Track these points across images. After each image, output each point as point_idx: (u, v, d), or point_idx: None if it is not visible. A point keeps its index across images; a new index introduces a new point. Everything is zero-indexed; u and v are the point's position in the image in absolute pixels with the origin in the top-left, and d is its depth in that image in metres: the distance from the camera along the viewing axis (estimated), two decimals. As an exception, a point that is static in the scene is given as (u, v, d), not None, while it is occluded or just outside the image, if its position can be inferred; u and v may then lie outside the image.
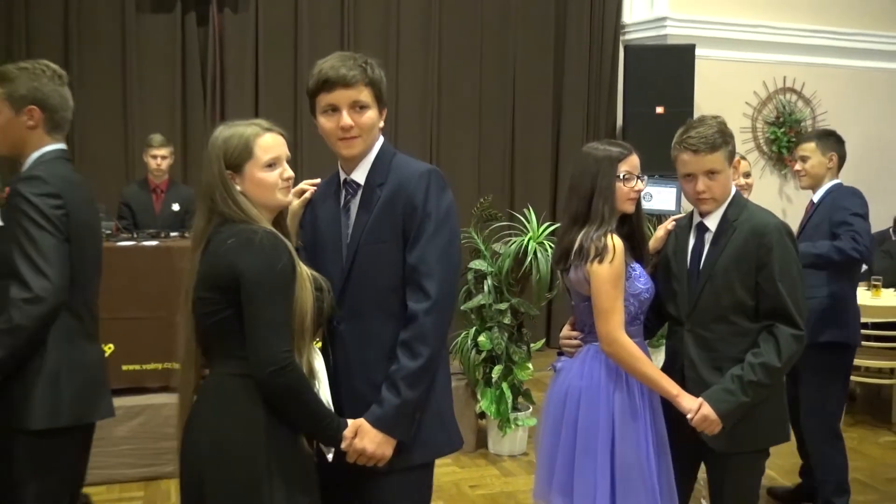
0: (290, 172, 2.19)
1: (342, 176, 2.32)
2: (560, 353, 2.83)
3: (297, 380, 2.05)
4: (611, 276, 2.55)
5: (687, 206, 3.68)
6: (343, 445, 2.13)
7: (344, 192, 2.31)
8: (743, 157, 4.12)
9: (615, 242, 2.56)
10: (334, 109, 2.20)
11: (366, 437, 2.13)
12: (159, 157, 5.44)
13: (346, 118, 2.18)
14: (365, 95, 2.20)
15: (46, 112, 2.51)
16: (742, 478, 2.69)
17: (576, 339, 2.74)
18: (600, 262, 2.54)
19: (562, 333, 2.82)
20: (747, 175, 4.10)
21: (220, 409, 2.06)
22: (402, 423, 2.17)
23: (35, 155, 2.52)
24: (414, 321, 2.16)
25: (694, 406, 2.54)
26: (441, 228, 2.20)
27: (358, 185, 2.29)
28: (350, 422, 2.14)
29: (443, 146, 7.12)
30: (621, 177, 2.62)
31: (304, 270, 2.12)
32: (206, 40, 6.60)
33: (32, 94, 2.48)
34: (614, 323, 2.56)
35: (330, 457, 2.17)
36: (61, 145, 2.57)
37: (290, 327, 2.06)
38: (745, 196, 3.37)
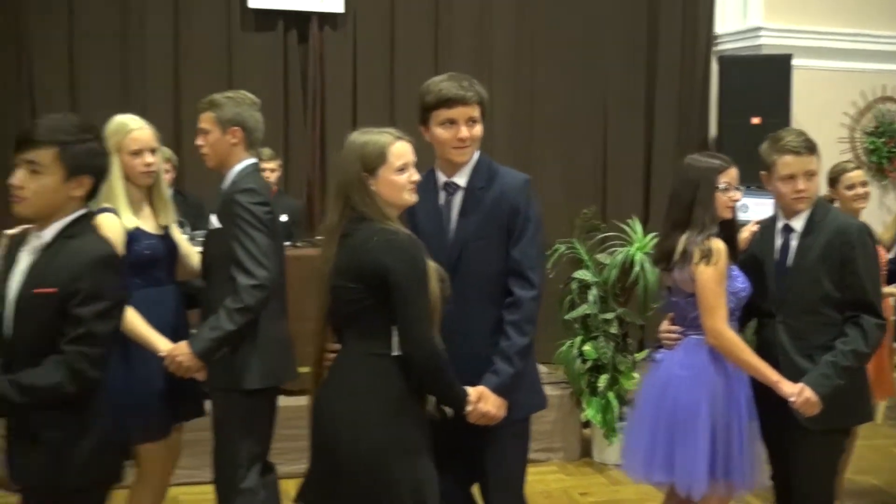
0: (416, 176, 2.53)
1: (442, 178, 2.75)
2: (658, 346, 3.20)
3: (443, 360, 2.41)
4: (716, 276, 2.87)
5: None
6: (469, 409, 2.52)
7: (444, 193, 2.74)
8: (856, 167, 4.11)
9: (720, 246, 2.88)
10: (452, 122, 2.64)
11: (489, 402, 2.58)
12: (268, 170, 5.62)
13: (465, 131, 2.63)
14: (477, 112, 2.65)
15: (246, 132, 3.05)
16: (828, 454, 3.02)
17: (675, 332, 3.08)
18: (706, 263, 2.86)
19: (661, 327, 3.18)
20: (864, 184, 4.08)
21: (357, 384, 2.37)
22: (514, 388, 2.63)
23: (237, 168, 3.06)
24: (521, 305, 2.64)
25: (795, 390, 2.83)
26: (537, 230, 2.71)
27: (457, 186, 2.72)
28: (471, 389, 2.54)
29: (533, 158, 7.16)
30: (721, 187, 2.94)
31: (431, 265, 2.40)
32: (306, 57, 6.81)
33: (236, 118, 3.03)
34: (719, 318, 2.88)
35: (450, 413, 2.57)
36: (255, 160, 3.13)
37: (431, 317, 2.36)
38: (862, 206, 3.58)
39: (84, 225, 2.30)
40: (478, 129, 2.68)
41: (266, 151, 5.69)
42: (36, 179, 2.21)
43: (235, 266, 2.90)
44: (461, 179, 2.72)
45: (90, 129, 2.33)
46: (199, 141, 3.11)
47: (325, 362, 2.51)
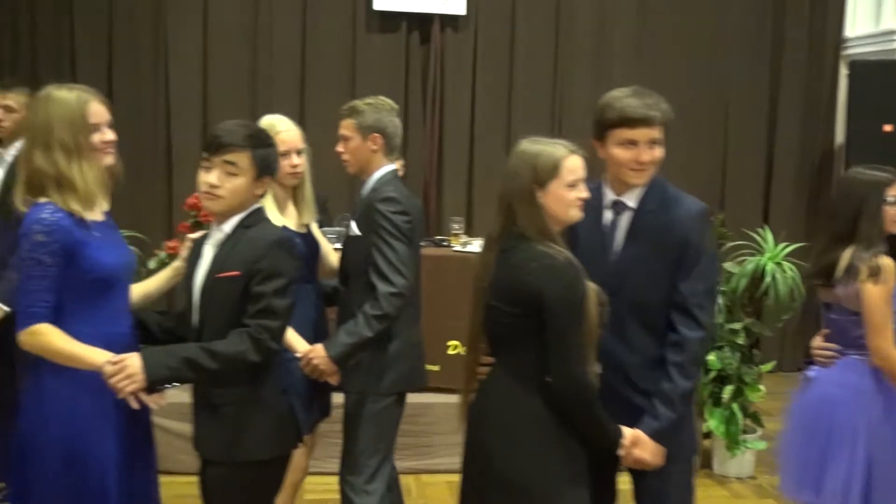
0: (586, 193, 2.39)
1: (610, 195, 2.57)
2: (809, 363, 3.09)
3: (590, 396, 2.30)
4: (884, 294, 2.78)
5: None
6: (621, 453, 2.40)
7: (612, 212, 2.57)
8: None
9: (889, 263, 2.78)
10: (632, 143, 2.45)
11: (646, 448, 2.43)
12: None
13: (646, 154, 2.45)
14: (659, 133, 2.47)
15: (386, 138, 3.09)
16: None
17: (831, 349, 2.97)
18: (875, 281, 2.76)
19: (815, 344, 3.07)
20: None
21: (510, 405, 2.32)
22: (674, 435, 2.48)
23: (377, 174, 3.09)
24: (687, 346, 2.46)
25: None
26: (710, 265, 2.53)
27: (626, 206, 2.54)
28: (626, 430, 2.40)
29: (652, 162, 7.09)
30: (889, 200, 2.84)
31: (591, 288, 2.31)
32: (427, 58, 6.90)
33: (377, 124, 3.07)
34: (886, 338, 2.79)
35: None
36: (394, 166, 3.14)
37: (584, 346, 2.27)
38: None
39: (258, 216, 2.47)
40: (659, 152, 2.49)
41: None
42: (231, 179, 2.36)
43: (375, 273, 2.94)
44: (631, 199, 2.54)
45: (269, 135, 2.50)
46: (340, 147, 3.13)
47: (479, 375, 2.46)
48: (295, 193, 3.28)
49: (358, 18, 6.75)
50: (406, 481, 3.31)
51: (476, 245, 4.74)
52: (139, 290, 2.62)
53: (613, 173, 2.55)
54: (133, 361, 2.21)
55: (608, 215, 2.57)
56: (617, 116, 2.45)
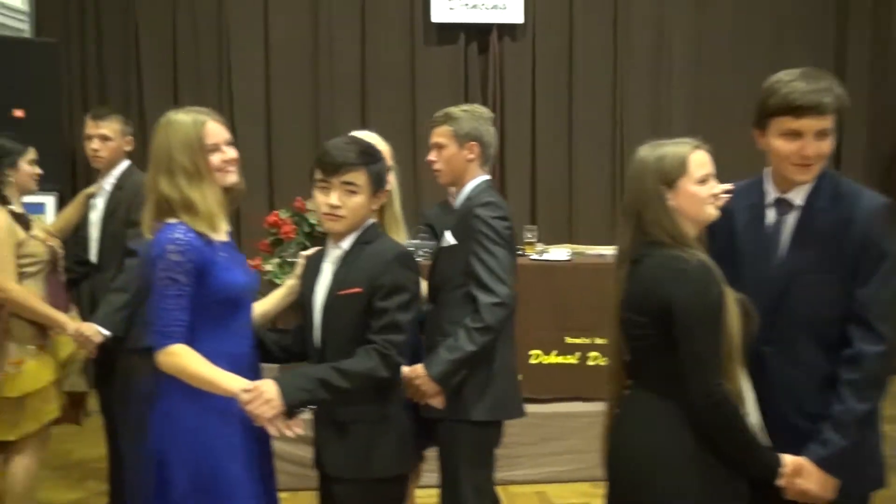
0: (720, 187, 2.23)
1: (772, 193, 2.32)
2: None
3: (730, 413, 2.09)
4: None
5: None
6: (782, 482, 2.14)
7: (775, 211, 2.31)
8: None
9: None
10: (797, 135, 2.18)
11: (811, 478, 2.15)
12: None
13: (811, 147, 2.17)
14: (829, 122, 2.18)
15: (482, 147, 2.94)
16: None
17: None
18: None
19: None
20: None
21: (653, 427, 2.17)
22: (846, 465, 2.16)
23: (472, 184, 2.95)
24: (864, 363, 2.15)
25: None
26: (894, 269, 2.19)
27: (792, 205, 2.28)
28: (787, 458, 2.15)
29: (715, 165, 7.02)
30: None
31: (731, 296, 2.15)
32: (486, 68, 6.91)
33: (473, 132, 2.93)
34: None
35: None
36: (488, 176, 3.00)
37: (720, 358, 2.10)
38: None
39: (374, 231, 2.47)
40: (827, 145, 2.18)
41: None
42: (352, 198, 2.37)
43: (475, 283, 2.77)
44: (798, 197, 2.26)
45: (377, 150, 2.49)
46: (433, 156, 2.99)
47: (624, 391, 2.32)
48: (383, 213, 3.08)
49: (416, 31, 6.78)
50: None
51: (554, 253, 4.70)
52: (258, 310, 2.59)
53: (775, 167, 2.28)
54: (268, 387, 2.19)
55: (771, 215, 2.31)
56: (780, 103, 2.17)
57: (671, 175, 2.18)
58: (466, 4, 6.69)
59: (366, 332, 2.33)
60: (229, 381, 2.21)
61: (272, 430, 2.19)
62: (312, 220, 4.45)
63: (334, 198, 2.36)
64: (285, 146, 6.70)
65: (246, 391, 2.17)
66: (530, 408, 4.21)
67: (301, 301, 2.55)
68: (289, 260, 4.32)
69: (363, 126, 6.71)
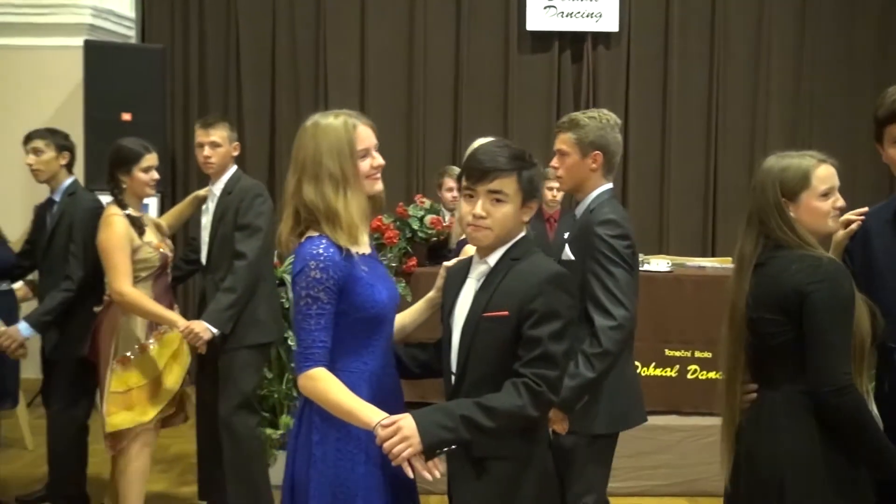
0: (841, 201, 2.26)
1: None
2: None
3: (855, 403, 2.11)
4: None
5: None
6: None
7: None
8: None
9: None
10: None
11: None
12: (555, 189, 5.69)
13: None
14: None
15: (607, 156, 2.81)
16: None
17: None
18: None
19: None
20: None
21: (796, 427, 2.16)
22: None
23: (593, 194, 2.83)
24: None
25: None
26: None
27: None
28: None
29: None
30: None
31: (859, 297, 2.19)
32: (579, 76, 6.89)
33: (599, 140, 2.78)
34: None
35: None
36: (611, 185, 2.86)
37: (850, 351, 2.14)
38: None
39: (526, 246, 2.20)
40: None
41: (550, 171, 5.74)
42: (499, 208, 2.13)
43: (592, 304, 2.65)
44: None
45: (531, 154, 2.23)
46: (555, 163, 2.86)
47: (743, 404, 2.31)
48: None
49: (510, 39, 6.81)
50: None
51: (654, 264, 4.65)
52: (396, 324, 2.37)
53: None
54: (407, 423, 1.96)
55: None
56: (887, 111, 2.20)
57: (793, 188, 2.22)
58: (562, 13, 6.69)
59: (512, 361, 2.08)
60: (369, 414, 2.03)
61: (408, 472, 1.98)
62: (415, 226, 4.49)
63: (479, 207, 2.12)
64: (380, 153, 6.74)
65: (383, 426, 1.98)
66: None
67: (441, 316, 2.35)
68: (391, 265, 4.37)
69: (456, 134, 6.82)
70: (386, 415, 2.02)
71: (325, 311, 2.10)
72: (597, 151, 2.77)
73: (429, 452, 1.97)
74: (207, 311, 3.70)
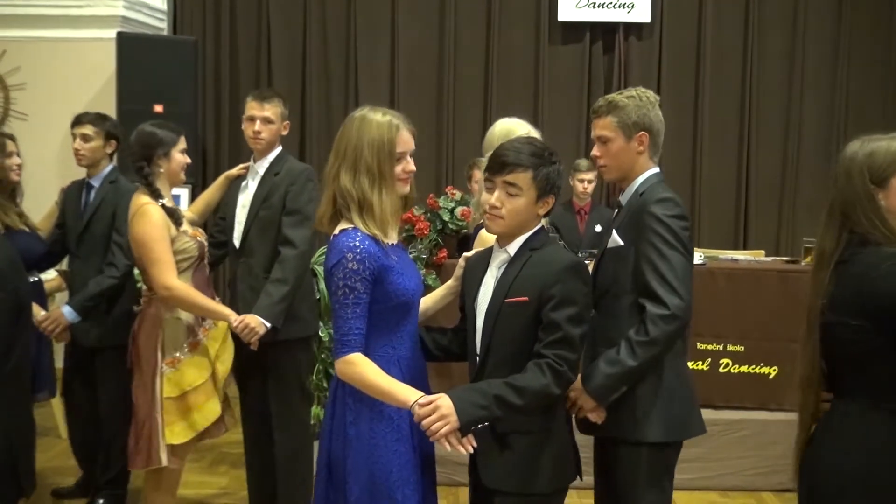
0: None
1: None
2: None
3: None
4: None
5: None
6: None
7: None
8: None
9: None
10: None
11: None
12: (586, 182, 5.66)
13: None
14: None
15: (652, 136, 2.61)
16: None
17: None
18: None
19: None
20: None
21: (867, 443, 2.00)
22: None
23: (641, 178, 2.62)
24: None
25: None
26: None
27: None
28: None
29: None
30: None
31: None
32: (610, 67, 6.84)
33: (642, 120, 2.58)
34: None
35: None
36: (658, 168, 2.66)
37: None
38: None
39: (544, 237, 2.35)
40: None
41: (583, 163, 5.72)
42: (512, 200, 2.29)
43: (644, 291, 2.46)
44: None
45: (553, 152, 2.34)
46: (596, 151, 2.66)
47: (818, 414, 2.14)
48: None
49: (541, 30, 6.77)
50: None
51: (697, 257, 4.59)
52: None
53: None
54: (444, 402, 2.12)
55: None
56: None
57: (883, 172, 2.03)
58: (593, 4, 6.64)
59: (531, 343, 2.25)
60: (406, 393, 2.17)
61: (446, 446, 2.12)
62: (446, 217, 4.48)
63: (494, 197, 2.30)
64: (410, 144, 6.76)
65: (421, 405, 2.13)
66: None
67: (461, 304, 2.50)
68: (422, 256, 4.36)
69: (485, 126, 6.75)
70: (422, 394, 2.17)
71: (361, 301, 2.22)
72: (642, 132, 2.58)
73: (465, 429, 2.12)
74: (259, 304, 3.48)
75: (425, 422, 2.11)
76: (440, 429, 2.10)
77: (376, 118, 2.29)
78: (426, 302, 2.56)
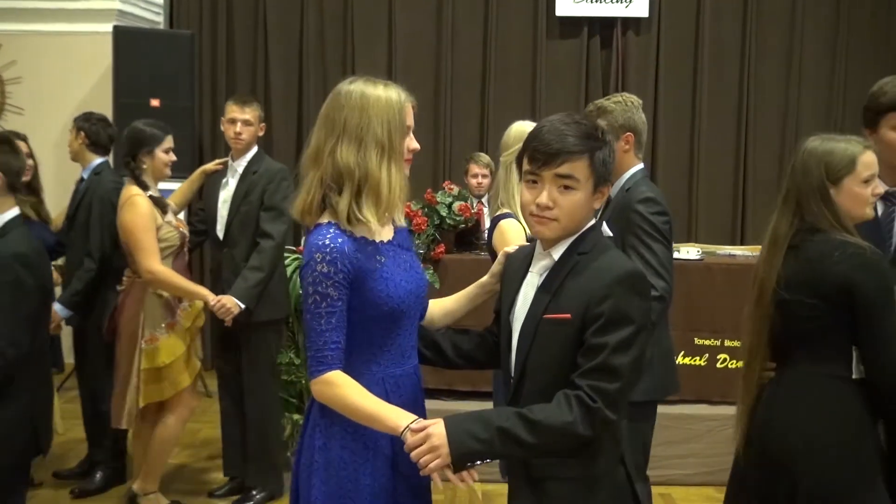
0: (881, 188, 2.37)
1: (881, 186, 2.41)
2: None
3: None
4: None
5: None
6: None
7: (884, 203, 2.52)
8: None
9: None
10: None
11: None
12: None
13: None
14: None
15: (636, 136, 2.96)
16: None
17: None
18: None
19: None
20: None
21: (812, 409, 2.23)
22: None
23: (627, 174, 2.95)
24: None
25: None
26: None
27: None
28: None
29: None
30: None
31: None
32: (608, 62, 6.82)
33: (628, 122, 2.93)
34: None
35: None
36: (642, 164, 3.00)
37: None
38: None
39: (595, 239, 1.93)
40: None
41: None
42: (568, 196, 1.86)
43: None
44: None
45: (602, 129, 1.94)
46: None
47: (761, 380, 2.36)
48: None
49: (539, 25, 6.74)
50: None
51: (683, 252, 4.60)
52: (439, 307, 2.21)
53: (888, 162, 2.50)
54: (438, 430, 1.78)
55: (880, 207, 2.53)
56: (890, 101, 2.52)
57: (838, 172, 2.26)
58: (591, -1, 6.62)
59: (571, 368, 1.83)
60: (396, 417, 1.85)
61: (437, 482, 1.86)
62: (443, 213, 4.47)
63: (545, 196, 1.86)
64: (407, 138, 6.75)
65: (413, 431, 1.81)
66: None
67: (497, 308, 2.13)
68: (419, 252, 4.35)
69: (483, 120, 6.79)
70: (415, 418, 1.86)
71: (335, 309, 1.90)
72: (628, 133, 2.92)
73: (458, 465, 1.79)
74: (235, 286, 3.88)
75: (414, 453, 1.79)
76: (429, 462, 1.78)
77: (380, 90, 1.96)
78: (451, 302, 2.23)
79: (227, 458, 4.25)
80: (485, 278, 2.19)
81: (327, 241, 1.89)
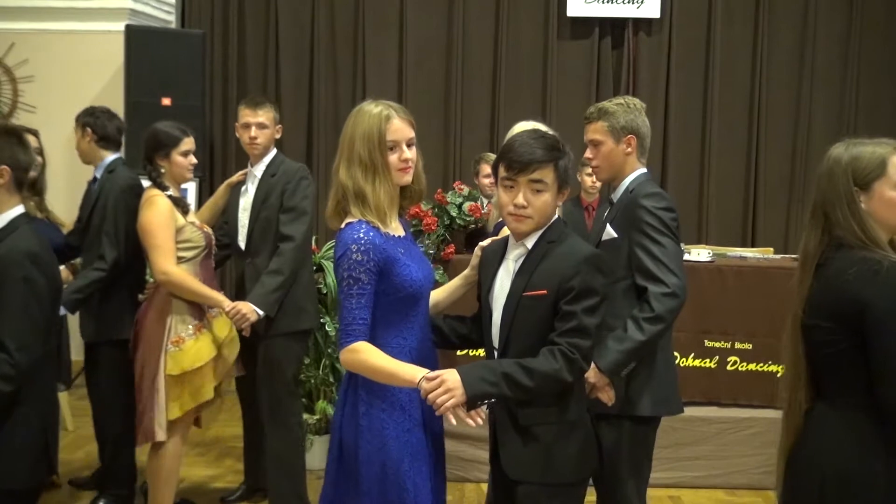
0: None
1: None
2: None
3: None
4: None
5: None
6: None
7: None
8: None
9: None
10: None
11: None
12: (594, 176, 5.63)
13: None
14: None
15: (639, 139, 2.88)
16: None
17: None
18: None
19: None
20: None
21: (841, 442, 2.03)
22: None
23: (630, 177, 2.88)
24: None
25: None
26: None
27: None
28: None
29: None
30: None
31: None
32: (619, 63, 6.81)
33: (630, 125, 2.86)
34: None
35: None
36: (645, 168, 2.94)
37: None
38: None
39: (560, 229, 2.36)
40: None
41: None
42: (539, 197, 2.29)
43: (642, 274, 2.71)
44: None
45: (561, 140, 2.36)
46: (589, 154, 2.93)
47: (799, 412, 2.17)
48: None
49: (550, 25, 6.74)
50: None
51: (694, 254, 4.58)
52: (433, 299, 2.52)
53: None
54: (451, 376, 2.14)
55: None
56: None
57: (867, 176, 2.06)
58: (603, -1, 6.61)
59: (547, 334, 2.25)
60: (412, 371, 2.19)
61: (452, 419, 2.14)
62: (453, 213, 4.47)
63: (521, 197, 2.28)
64: (418, 139, 6.71)
65: (428, 379, 2.15)
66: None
67: (478, 296, 2.50)
68: (430, 252, 4.35)
69: (493, 120, 6.78)
70: (427, 370, 2.19)
71: (365, 291, 2.23)
72: (630, 135, 2.86)
73: (471, 403, 2.14)
74: (253, 293, 3.64)
75: (431, 395, 2.12)
76: (446, 401, 2.11)
77: (369, 109, 2.30)
78: (439, 294, 2.58)
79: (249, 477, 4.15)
80: (466, 271, 2.59)
81: (361, 235, 2.23)
